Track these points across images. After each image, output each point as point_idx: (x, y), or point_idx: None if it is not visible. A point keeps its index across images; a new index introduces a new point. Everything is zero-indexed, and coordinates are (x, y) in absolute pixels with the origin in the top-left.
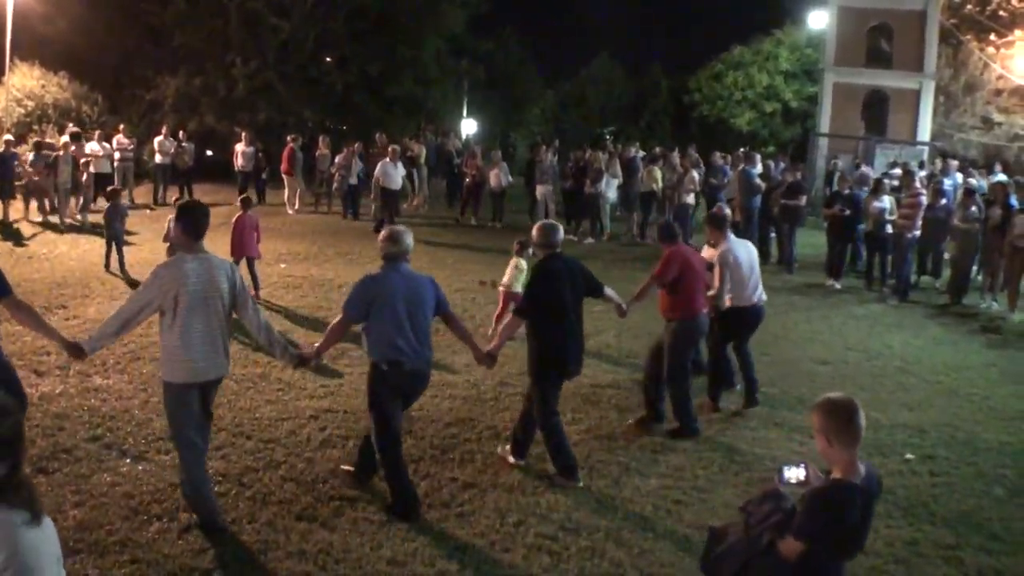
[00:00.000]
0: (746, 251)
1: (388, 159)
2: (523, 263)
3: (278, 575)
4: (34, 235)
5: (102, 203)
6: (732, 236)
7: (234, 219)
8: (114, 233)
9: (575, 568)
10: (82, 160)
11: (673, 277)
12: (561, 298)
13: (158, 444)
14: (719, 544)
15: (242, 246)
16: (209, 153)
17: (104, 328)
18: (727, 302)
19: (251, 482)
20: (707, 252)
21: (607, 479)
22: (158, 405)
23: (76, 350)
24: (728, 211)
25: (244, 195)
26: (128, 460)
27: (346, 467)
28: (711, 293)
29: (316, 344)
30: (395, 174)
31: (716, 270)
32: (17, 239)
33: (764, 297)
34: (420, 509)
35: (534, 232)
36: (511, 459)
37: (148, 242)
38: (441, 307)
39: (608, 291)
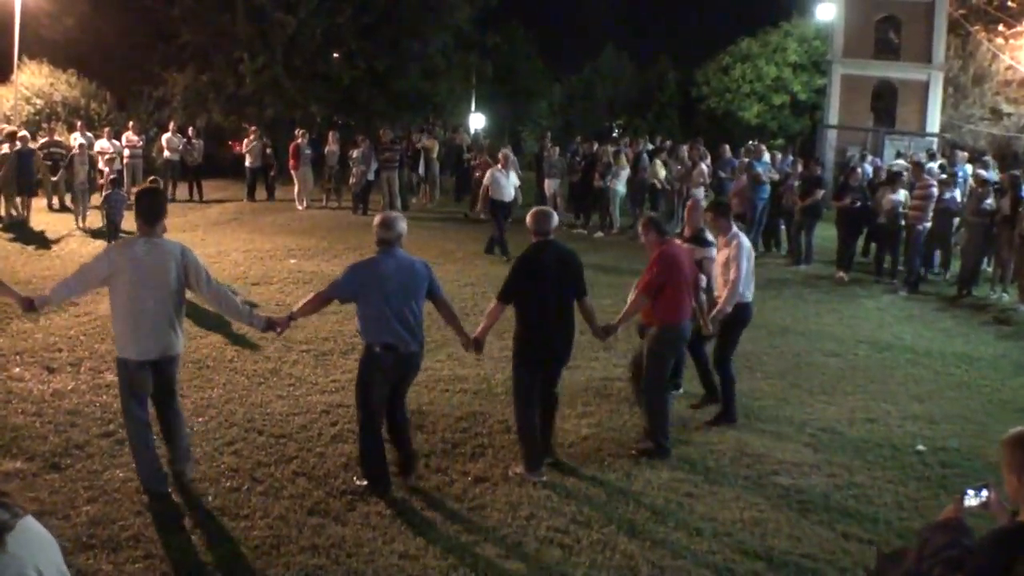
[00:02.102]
0: (749, 244)
1: (499, 166)
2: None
3: (291, 569)
4: (44, 231)
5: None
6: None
7: None
8: (113, 218)
9: (587, 561)
10: (106, 158)
11: (661, 282)
12: (542, 286)
13: None
14: (893, 570)
15: None
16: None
17: (53, 295)
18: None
19: (263, 477)
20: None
21: (618, 472)
22: None
23: (27, 303)
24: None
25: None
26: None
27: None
28: (726, 291)
29: (291, 311)
30: (507, 184)
31: (732, 261)
32: (28, 236)
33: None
34: (390, 489)
35: (528, 218)
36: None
37: None
38: (433, 291)
39: (588, 302)
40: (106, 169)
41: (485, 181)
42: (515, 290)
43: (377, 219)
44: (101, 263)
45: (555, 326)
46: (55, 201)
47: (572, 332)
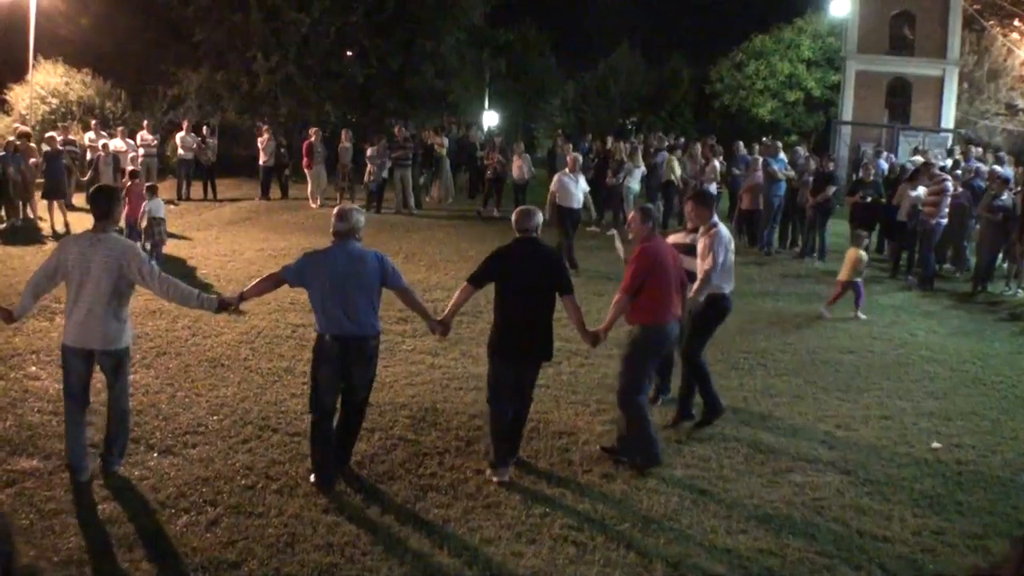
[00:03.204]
0: (728, 235)
1: (567, 170)
2: (863, 255)
3: (305, 567)
4: (60, 234)
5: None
6: (718, 219)
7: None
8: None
9: (601, 559)
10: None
11: (641, 280)
12: (517, 281)
13: (185, 438)
14: None
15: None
16: (282, 150)
17: (23, 299)
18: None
19: (278, 475)
20: (674, 237)
21: (632, 470)
22: (184, 400)
23: (6, 315)
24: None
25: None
26: (155, 454)
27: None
28: (698, 280)
29: (241, 290)
30: (575, 190)
31: (705, 250)
32: (42, 237)
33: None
34: (334, 486)
35: (513, 215)
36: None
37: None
38: (390, 282)
39: (573, 300)
40: (129, 168)
41: (552, 187)
42: (484, 276)
43: (334, 211)
44: (48, 259)
45: (529, 322)
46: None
47: (548, 331)
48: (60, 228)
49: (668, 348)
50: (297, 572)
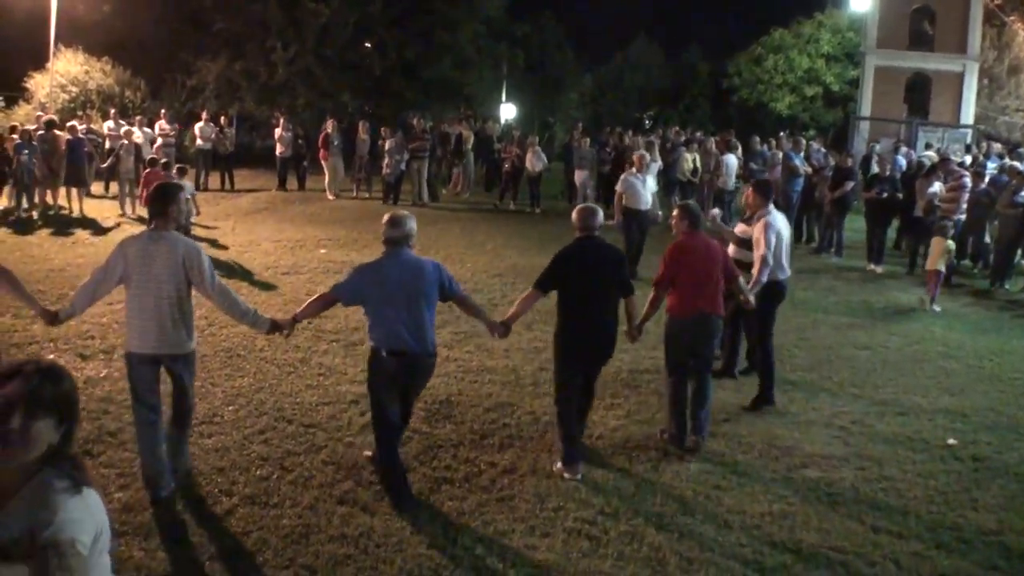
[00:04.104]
0: (784, 224)
1: (634, 169)
2: (950, 244)
3: (319, 558)
4: (79, 221)
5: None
6: (773, 208)
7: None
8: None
9: (614, 552)
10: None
11: (671, 275)
12: (574, 282)
13: (201, 428)
14: None
15: None
16: (300, 140)
17: (75, 299)
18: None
19: (292, 466)
20: (739, 228)
21: (646, 464)
22: (200, 390)
23: (52, 316)
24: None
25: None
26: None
27: (368, 453)
28: (755, 269)
29: (295, 312)
30: (643, 190)
31: (759, 237)
32: (64, 224)
33: (788, 273)
34: (412, 502)
35: (573, 214)
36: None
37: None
38: (448, 292)
39: (634, 301)
40: (149, 156)
41: (618, 188)
42: (551, 280)
43: (385, 217)
44: (107, 260)
45: (594, 323)
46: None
47: (613, 330)
48: (78, 214)
49: (697, 338)
50: (312, 563)
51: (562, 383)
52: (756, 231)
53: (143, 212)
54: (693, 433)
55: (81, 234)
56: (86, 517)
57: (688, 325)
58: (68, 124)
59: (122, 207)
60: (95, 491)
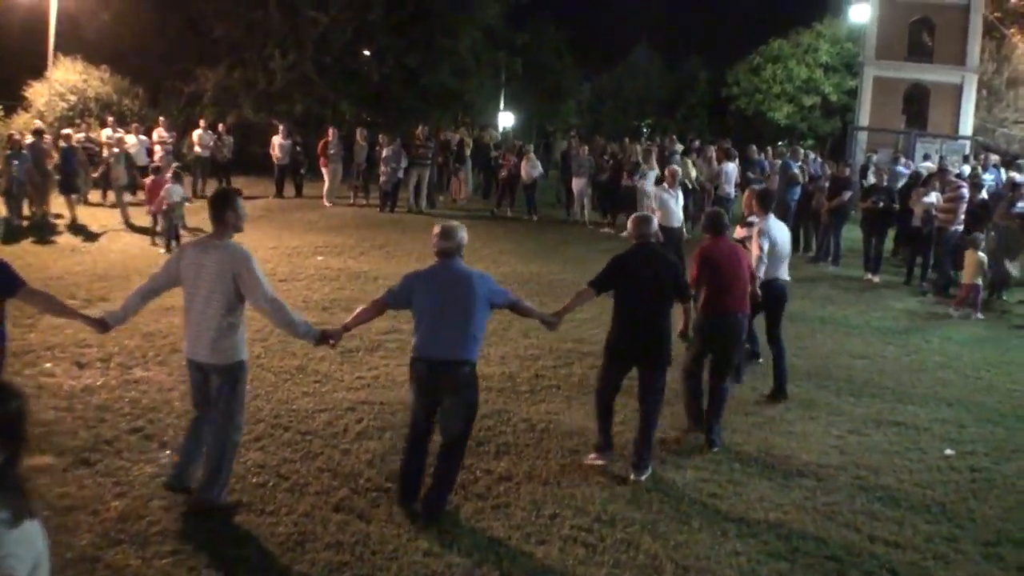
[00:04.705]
0: (781, 230)
1: (666, 185)
2: (983, 256)
3: (316, 566)
4: (74, 229)
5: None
6: (772, 216)
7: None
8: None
9: (610, 560)
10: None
11: (700, 279)
12: (627, 286)
13: None
14: None
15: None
16: (298, 148)
17: (126, 303)
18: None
19: (289, 473)
20: (738, 232)
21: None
22: None
23: (100, 324)
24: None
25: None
26: (169, 451)
27: None
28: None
29: (344, 322)
30: (675, 207)
31: (754, 244)
32: (59, 234)
33: (788, 277)
34: (411, 502)
35: (629, 224)
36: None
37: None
38: (499, 302)
39: (690, 305)
40: (153, 164)
41: (652, 204)
42: (606, 281)
43: (437, 228)
44: (163, 266)
45: (642, 326)
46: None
47: (662, 335)
48: (68, 221)
49: (726, 335)
50: (308, 570)
51: (602, 377)
52: (753, 238)
53: (139, 220)
54: (709, 445)
55: (77, 242)
56: (23, 552)
57: (716, 322)
58: (63, 132)
59: (123, 216)
60: (36, 522)
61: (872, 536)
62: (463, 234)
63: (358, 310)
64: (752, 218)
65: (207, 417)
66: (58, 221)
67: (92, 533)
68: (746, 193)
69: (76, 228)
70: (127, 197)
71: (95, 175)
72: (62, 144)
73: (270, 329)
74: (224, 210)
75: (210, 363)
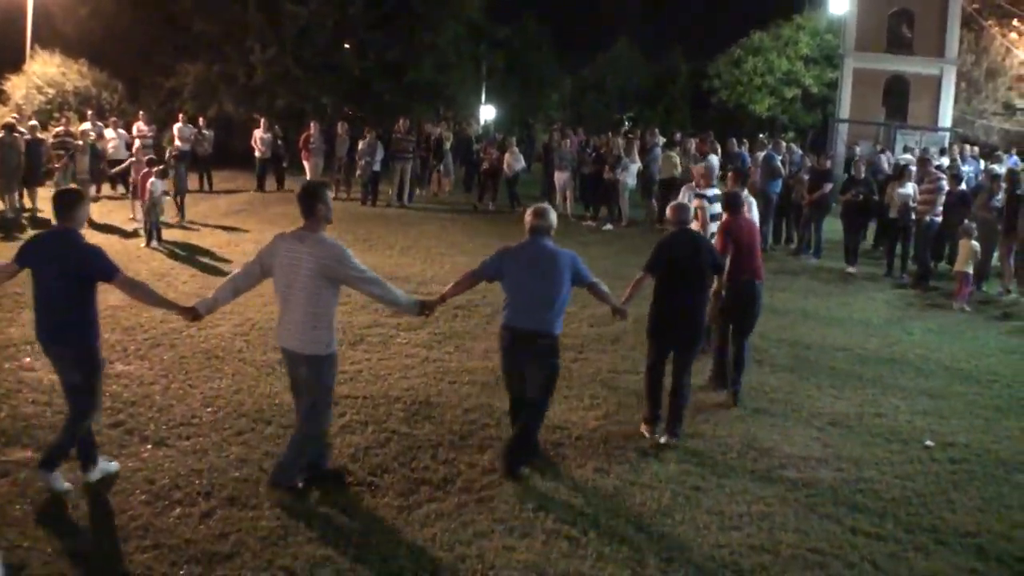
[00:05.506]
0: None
1: (694, 184)
2: (975, 244)
3: (299, 560)
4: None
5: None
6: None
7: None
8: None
9: (594, 553)
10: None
11: (723, 246)
12: (669, 268)
13: (179, 430)
14: None
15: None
16: (279, 142)
17: (219, 292)
18: None
19: (272, 467)
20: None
21: (625, 465)
22: (178, 391)
23: (192, 313)
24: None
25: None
26: (149, 446)
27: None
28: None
29: (441, 292)
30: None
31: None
32: (45, 227)
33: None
34: (517, 470)
35: (668, 211)
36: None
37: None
38: (580, 279)
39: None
40: (146, 157)
41: (691, 200)
42: (656, 263)
43: (531, 209)
44: (255, 256)
45: (683, 308)
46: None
47: (699, 316)
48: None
49: (746, 301)
50: (290, 564)
51: (650, 360)
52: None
53: (108, 217)
54: (734, 397)
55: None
56: None
57: (738, 288)
58: (29, 124)
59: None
60: None
61: (854, 528)
62: (553, 216)
63: (453, 282)
64: (702, 190)
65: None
66: (40, 216)
67: (73, 528)
68: (730, 175)
69: (38, 221)
70: (91, 191)
71: (56, 167)
72: (27, 137)
73: (252, 323)
74: (316, 203)
75: (305, 354)
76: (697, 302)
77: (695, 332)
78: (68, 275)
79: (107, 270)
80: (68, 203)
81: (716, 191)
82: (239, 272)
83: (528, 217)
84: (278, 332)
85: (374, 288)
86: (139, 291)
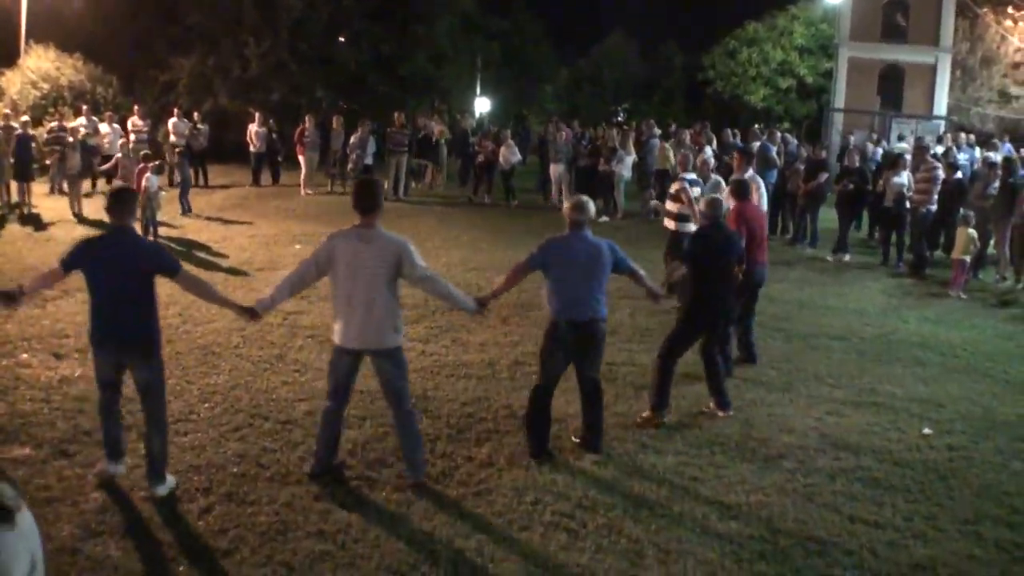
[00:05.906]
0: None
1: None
2: (972, 233)
3: (297, 555)
4: (52, 219)
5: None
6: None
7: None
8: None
9: (592, 545)
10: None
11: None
12: (703, 259)
13: (176, 426)
14: None
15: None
16: (274, 135)
17: (276, 291)
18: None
19: (269, 463)
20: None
21: (624, 456)
22: (176, 387)
23: (250, 313)
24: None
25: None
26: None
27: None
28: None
29: (493, 288)
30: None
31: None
32: (36, 223)
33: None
34: (541, 453)
35: (701, 206)
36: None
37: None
38: (620, 266)
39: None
40: (143, 151)
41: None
42: (694, 254)
43: (569, 203)
44: (313, 254)
45: (718, 297)
46: (56, 187)
47: (729, 302)
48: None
49: (753, 282)
50: (289, 560)
51: (676, 341)
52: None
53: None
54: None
55: (54, 232)
56: (20, 551)
57: (748, 270)
58: (22, 119)
59: (72, 206)
60: (27, 513)
61: (852, 516)
62: (592, 208)
63: (503, 277)
64: (685, 175)
65: (345, 404)
66: (35, 212)
67: (72, 524)
68: (735, 157)
69: (27, 218)
70: (84, 187)
71: (47, 162)
72: (18, 132)
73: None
74: (374, 199)
75: (382, 349)
76: (729, 287)
77: (728, 316)
78: (134, 273)
79: (172, 266)
80: (125, 201)
81: (694, 176)
82: (294, 273)
83: (568, 211)
84: (345, 335)
85: (437, 286)
86: (201, 287)
